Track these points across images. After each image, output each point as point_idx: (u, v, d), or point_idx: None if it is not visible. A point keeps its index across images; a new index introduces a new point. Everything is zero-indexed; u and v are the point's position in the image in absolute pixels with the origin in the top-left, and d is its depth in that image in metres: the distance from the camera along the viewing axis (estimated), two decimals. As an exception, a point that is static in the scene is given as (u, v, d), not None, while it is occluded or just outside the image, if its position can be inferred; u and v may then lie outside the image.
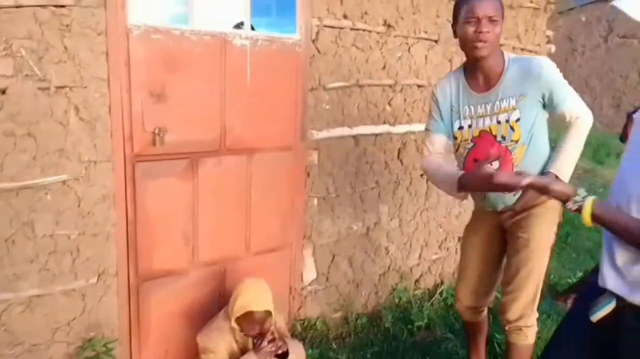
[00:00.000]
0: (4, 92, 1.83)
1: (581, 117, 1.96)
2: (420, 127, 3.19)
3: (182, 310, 2.42)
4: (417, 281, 3.47)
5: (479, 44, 1.91)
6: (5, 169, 1.88)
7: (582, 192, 1.39)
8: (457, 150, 2.16)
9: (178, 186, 2.31)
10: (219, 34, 2.29)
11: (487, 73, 2.01)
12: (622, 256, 1.33)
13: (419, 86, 3.12)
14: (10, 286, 1.96)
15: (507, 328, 2.19)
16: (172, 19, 2.19)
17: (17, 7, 1.80)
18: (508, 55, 2.03)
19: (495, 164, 1.99)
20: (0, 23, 1.78)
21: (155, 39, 2.12)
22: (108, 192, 2.12)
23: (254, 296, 2.15)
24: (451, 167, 2.14)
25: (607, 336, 1.40)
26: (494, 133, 2.02)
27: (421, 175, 3.31)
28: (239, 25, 2.39)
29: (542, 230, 2.07)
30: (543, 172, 2.01)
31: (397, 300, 3.27)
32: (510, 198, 2.02)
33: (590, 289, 1.50)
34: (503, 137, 2.01)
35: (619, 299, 1.36)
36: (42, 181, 1.96)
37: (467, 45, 1.96)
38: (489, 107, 2.02)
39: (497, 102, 2.00)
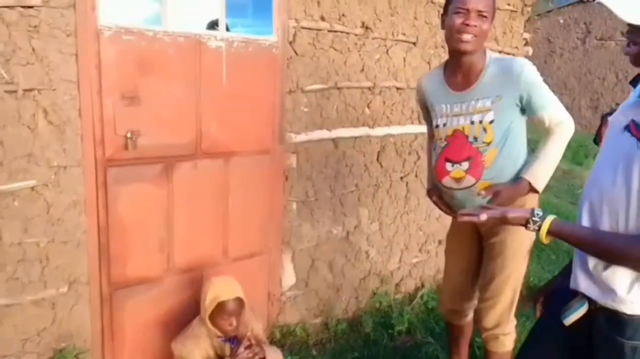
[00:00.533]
0: (-33, 95, 1.76)
1: (562, 123, 1.93)
2: (400, 129, 3.21)
3: (158, 318, 2.36)
4: (397, 284, 3.46)
5: (464, 36, 1.88)
6: (-31, 175, 1.81)
7: (539, 212, 1.39)
8: (434, 149, 2.15)
9: (152, 191, 2.26)
10: (194, 36, 2.25)
11: (467, 71, 1.98)
12: (593, 259, 1.33)
13: (397, 88, 3.11)
14: (-25, 296, 1.89)
15: (483, 335, 2.19)
16: (144, 19, 2.14)
17: (-18, 7, 1.74)
18: (490, 55, 1.99)
19: (465, 165, 1.99)
20: (-37, 24, 1.72)
21: (127, 40, 2.07)
22: (79, 198, 2.06)
23: (222, 286, 2.14)
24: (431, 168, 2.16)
25: (580, 340, 1.40)
26: (466, 133, 1.99)
27: (401, 178, 3.30)
28: (213, 25, 2.35)
29: (518, 236, 2.02)
30: (517, 176, 1.98)
31: (377, 305, 3.25)
32: (473, 201, 1.98)
33: (561, 291, 1.49)
34: (475, 138, 1.97)
35: (591, 302, 1.35)
36: (9, 187, 1.89)
37: (452, 36, 1.91)
38: (464, 107, 1.99)
39: (473, 102, 1.97)
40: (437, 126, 2.09)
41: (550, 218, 1.36)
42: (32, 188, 1.95)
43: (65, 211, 2.03)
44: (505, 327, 2.12)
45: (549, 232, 1.35)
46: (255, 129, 2.57)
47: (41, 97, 1.92)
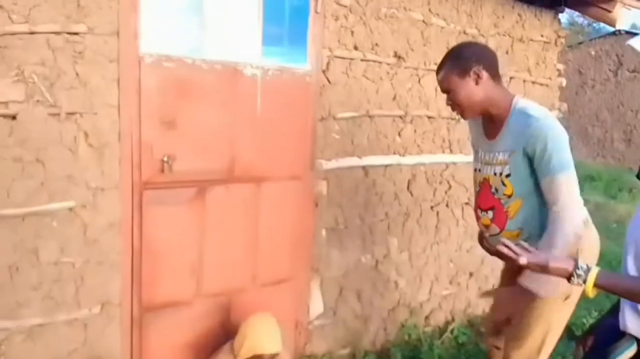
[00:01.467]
0: (14, 117, 1.83)
1: (564, 210, 1.75)
2: (431, 158, 3.18)
3: (186, 342, 2.35)
4: (427, 317, 3.37)
5: (456, 113, 1.95)
6: (12, 195, 1.86)
7: (583, 265, 1.35)
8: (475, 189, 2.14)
9: (185, 215, 2.28)
10: (230, 63, 2.31)
11: (494, 120, 1.93)
12: None
13: (429, 117, 3.11)
14: (11, 314, 1.92)
15: None
16: (184, 48, 2.21)
17: (31, 33, 1.82)
18: (516, 103, 1.88)
19: (490, 214, 1.97)
20: (13, 49, 1.80)
21: (167, 67, 2.14)
22: (114, 219, 2.09)
23: (264, 337, 2.09)
24: None
25: None
26: (490, 183, 1.96)
27: (431, 207, 3.26)
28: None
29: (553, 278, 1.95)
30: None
31: (406, 337, 3.17)
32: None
33: (608, 331, 1.42)
34: (496, 190, 1.94)
35: None
36: (48, 207, 1.94)
37: None
38: (491, 156, 1.96)
39: (496, 154, 1.92)
40: (475, 170, 2.09)
41: (595, 271, 1.33)
42: (71, 209, 1.99)
43: (102, 232, 2.06)
44: None
45: (595, 286, 1.32)
46: (286, 155, 2.59)
47: (83, 120, 1.98)
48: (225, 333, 2.34)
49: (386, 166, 2.99)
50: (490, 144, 1.97)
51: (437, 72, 1.95)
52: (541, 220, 1.88)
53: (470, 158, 3.22)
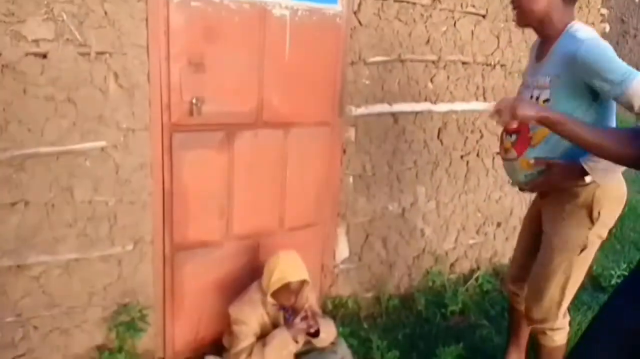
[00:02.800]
0: (44, 56, 1.83)
1: None
2: (463, 106, 3.09)
3: (215, 281, 2.43)
4: (452, 265, 3.39)
5: (513, 11, 1.86)
6: (46, 134, 1.90)
7: None
8: None
9: (214, 158, 2.30)
10: (259, 3, 2.24)
11: (545, 41, 1.87)
12: None
13: (463, 63, 2.99)
14: (49, 249, 2.00)
15: (531, 327, 2.09)
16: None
17: (59, -30, 1.79)
18: (570, 27, 1.79)
19: (513, 138, 1.91)
20: (43, -14, 1.78)
21: (194, 6, 2.08)
22: (145, 161, 2.12)
23: (290, 266, 2.15)
24: None
25: None
26: None
27: (461, 157, 3.20)
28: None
29: (569, 230, 1.87)
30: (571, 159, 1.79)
31: (430, 283, 3.20)
32: (517, 174, 1.93)
33: (631, 289, 1.38)
34: None
35: None
36: (81, 146, 1.97)
37: None
38: (533, 79, 1.90)
39: (539, 76, 1.86)
40: (519, 92, 2.04)
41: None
42: (102, 149, 2.02)
43: (133, 172, 2.10)
44: (553, 323, 2.00)
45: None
46: (315, 101, 2.55)
47: (112, 60, 1.97)
48: (253, 273, 2.40)
49: (417, 113, 2.92)
50: (536, 66, 1.91)
51: None
52: (561, 156, 1.81)
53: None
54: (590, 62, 1.66)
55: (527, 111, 1.56)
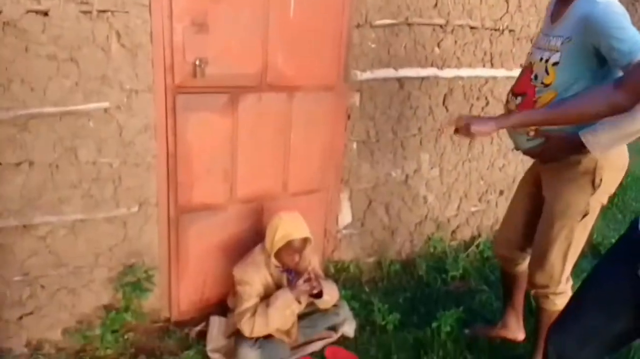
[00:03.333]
0: (46, 13, 1.80)
1: None
2: (470, 72, 3.05)
3: (220, 244, 2.45)
4: (453, 232, 3.41)
5: None
6: (49, 94, 1.88)
7: None
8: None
9: (217, 121, 2.28)
10: (264, -39, 2.18)
11: (562, 3, 1.81)
12: None
13: (471, 28, 2.93)
14: (54, 209, 2.01)
15: (533, 292, 2.10)
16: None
17: None
18: None
19: (518, 100, 1.89)
20: (43, -60, 1.73)
21: (198, -37, 2.03)
22: (149, 122, 2.11)
23: (293, 225, 2.17)
24: None
25: None
26: (533, 69, 1.86)
27: (466, 123, 3.17)
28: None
29: (570, 197, 1.87)
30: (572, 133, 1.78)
31: (432, 249, 3.24)
32: (520, 138, 1.93)
33: (634, 239, 1.40)
34: (536, 77, 1.83)
35: None
36: (84, 107, 1.96)
37: None
38: (545, 41, 1.85)
39: (551, 38, 1.81)
40: (529, 53, 1.99)
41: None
42: (106, 110, 2.01)
43: (137, 134, 2.09)
44: (556, 287, 2.02)
45: None
46: (320, 64, 2.51)
47: (114, 19, 1.94)
48: (257, 237, 2.42)
49: (422, 78, 2.88)
50: (550, 27, 1.86)
51: None
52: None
53: (511, 73, 3.11)
54: (602, 26, 1.60)
55: (482, 127, 1.76)
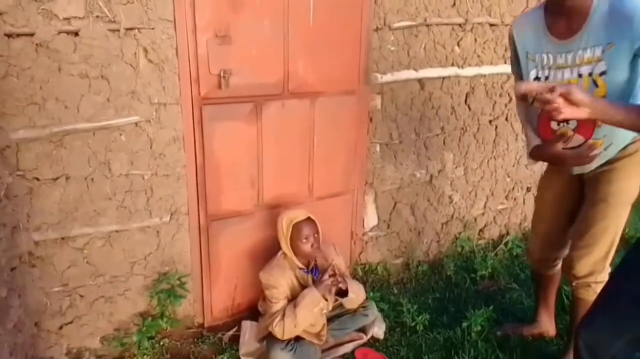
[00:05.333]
0: (76, 34, 1.88)
1: None
2: (491, 69, 3.04)
3: (249, 249, 2.50)
4: (481, 230, 3.39)
5: None
6: (82, 110, 1.96)
7: None
8: (532, 103, 1.93)
9: (243, 130, 2.33)
10: (283, -28, 2.22)
11: (572, 13, 1.70)
12: None
13: (491, 25, 2.92)
14: (91, 221, 2.09)
15: (574, 283, 2.06)
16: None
17: (87, -53, 1.81)
18: None
19: (573, 124, 1.80)
20: (72, -36, 1.80)
21: (219, -23, 2.09)
22: (178, 134, 2.17)
23: (292, 212, 2.27)
24: (532, 127, 1.95)
25: None
26: None
27: (490, 121, 3.16)
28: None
29: (625, 184, 1.85)
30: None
31: (459, 249, 3.23)
32: (592, 164, 1.84)
33: None
34: None
35: None
36: (116, 122, 2.03)
37: None
38: (570, 57, 1.74)
39: (580, 52, 1.71)
40: (537, 78, 1.88)
41: None
42: (136, 124, 2.08)
43: (166, 146, 2.15)
44: (598, 276, 2.00)
45: None
46: (340, 69, 2.55)
47: (141, 35, 2.00)
48: (285, 241, 2.46)
49: (443, 78, 2.88)
50: (564, 44, 1.76)
51: None
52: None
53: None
54: None
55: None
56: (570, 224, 2.12)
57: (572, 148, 1.82)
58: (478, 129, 3.13)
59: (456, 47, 2.87)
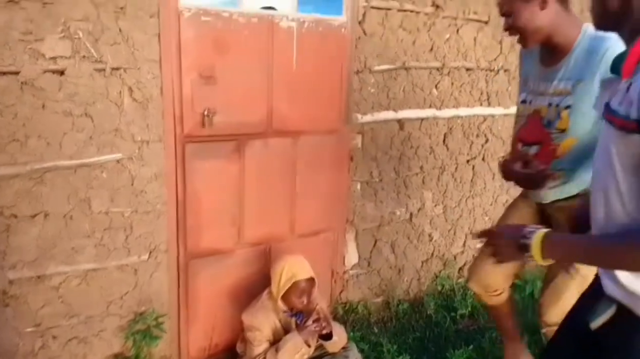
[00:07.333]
0: (62, 73, 1.90)
1: None
2: (468, 111, 3.14)
3: (229, 288, 2.48)
4: (460, 268, 3.42)
5: (515, 36, 1.78)
6: (64, 148, 1.96)
7: (530, 229, 1.21)
8: (516, 123, 2.01)
9: (225, 168, 2.35)
10: (266, 16, 2.30)
11: (557, 47, 1.77)
12: None
13: (467, 69, 3.04)
14: (68, 259, 2.05)
15: (544, 329, 2.04)
16: (221, 1, 2.21)
17: (75, -11, 1.86)
18: (586, 29, 1.72)
19: (534, 149, 1.85)
20: (59, 5, 1.84)
21: (205, 20, 2.15)
22: (159, 171, 2.18)
23: (297, 265, 2.20)
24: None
25: (607, 343, 1.26)
26: (542, 115, 1.81)
27: (467, 161, 3.25)
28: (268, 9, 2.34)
29: None
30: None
31: (439, 287, 3.24)
32: (548, 195, 1.86)
33: (590, 294, 1.38)
34: (549, 123, 1.79)
35: (619, 304, 1.19)
36: (98, 159, 2.03)
37: None
38: (548, 86, 1.80)
39: (556, 82, 1.77)
40: (523, 101, 1.95)
41: (539, 237, 1.17)
42: (118, 161, 2.08)
43: (148, 183, 2.15)
44: None
45: (542, 252, 1.17)
46: (322, 109, 2.61)
47: (127, 75, 2.04)
48: (265, 280, 2.44)
49: (422, 119, 2.97)
50: (547, 72, 1.81)
51: None
52: (588, 167, 1.72)
53: (508, 110, 3.19)
54: None
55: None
56: None
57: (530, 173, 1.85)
58: (456, 168, 3.21)
59: (434, 90, 2.97)
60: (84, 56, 1.92)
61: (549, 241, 1.17)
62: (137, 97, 2.06)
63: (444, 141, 3.11)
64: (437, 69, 2.94)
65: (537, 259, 1.18)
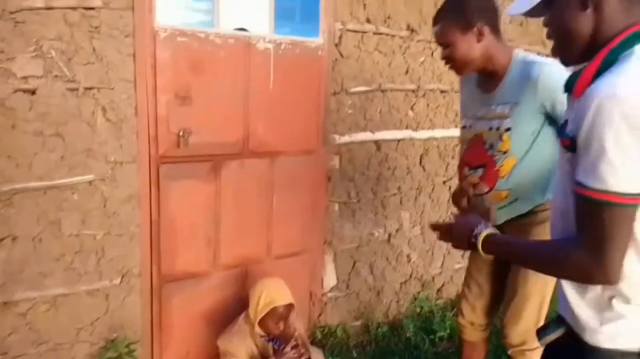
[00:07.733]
0: (33, 92, 1.86)
1: None
2: (443, 132, 3.19)
3: (204, 312, 2.42)
4: (439, 290, 3.42)
5: (450, 68, 1.86)
6: (34, 169, 1.91)
7: (482, 226, 1.34)
8: (460, 147, 2.06)
9: (201, 188, 2.32)
10: (243, 37, 2.31)
11: (492, 74, 1.83)
12: (564, 281, 1.18)
13: (442, 91, 3.10)
14: (36, 284, 1.98)
15: (509, 351, 2.06)
16: (197, 22, 2.22)
17: (48, 8, 1.84)
18: (516, 55, 1.81)
19: (479, 172, 1.90)
20: (31, 24, 1.82)
21: (181, 41, 2.15)
22: (133, 192, 2.13)
23: (276, 291, 2.16)
24: None
25: None
26: (484, 139, 1.87)
27: (444, 182, 3.27)
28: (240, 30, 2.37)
29: None
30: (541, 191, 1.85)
31: (418, 309, 3.22)
32: (501, 216, 1.89)
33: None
34: (491, 146, 1.84)
35: (568, 325, 1.20)
36: (69, 180, 1.98)
37: None
38: (486, 111, 1.86)
39: (494, 107, 1.83)
40: (464, 127, 2.01)
41: (483, 234, 1.31)
42: (90, 182, 2.04)
43: (121, 205, 2.11)
44: (531, 343, 1.96)
45: (484, 249, 1.31)
46: (300, 130, 2.61)
47: (100, 95, 2.01)
48: (242, 303, 2.40)
49: (399, 140, 2.99)
50: (485, 97, 1.87)
51: (435, 22, 1.83)
52: (534, 183, 1.83)
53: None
54: (552, 89, 1.66)
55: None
56: (501, 287, 2.09)
57: (479, 195, 1.90)
58: (433, 189, 3.23)
59: (410, 112, 3.01)
60: (56, 75, 1.90)
61: (491, 241, 1.32)
62: (110, 117, 2.03)
63: (420, 161, 3.14)
64: (413, 91, 2.98)
65: (481, 254, 1.34)
